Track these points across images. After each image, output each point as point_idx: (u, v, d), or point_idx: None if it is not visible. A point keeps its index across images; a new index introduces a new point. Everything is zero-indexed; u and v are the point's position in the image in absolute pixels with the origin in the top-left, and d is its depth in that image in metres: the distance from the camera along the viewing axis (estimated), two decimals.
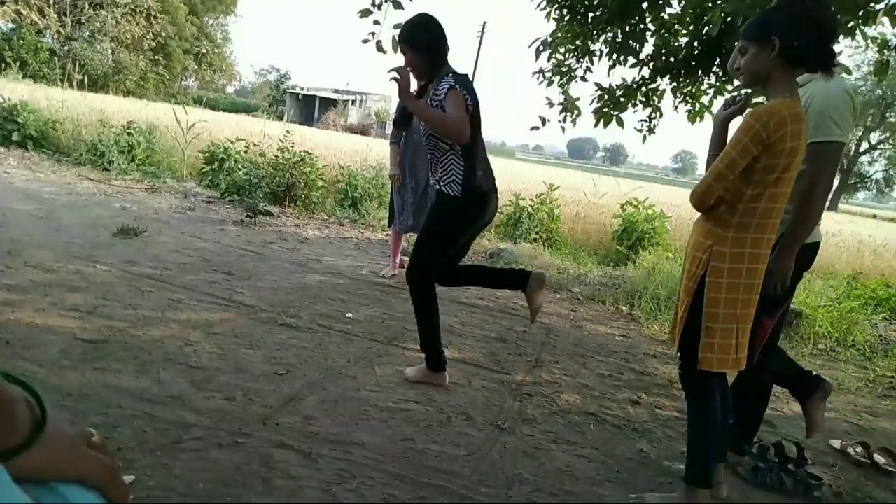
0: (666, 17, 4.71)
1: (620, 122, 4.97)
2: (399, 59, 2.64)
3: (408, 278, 2.73)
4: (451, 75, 2.51)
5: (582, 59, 5.11)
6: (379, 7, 3.80)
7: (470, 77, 2.62)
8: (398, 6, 3.79)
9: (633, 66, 4.85)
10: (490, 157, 2.70)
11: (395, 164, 4.47)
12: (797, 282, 2.21)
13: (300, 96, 44.26)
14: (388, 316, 3.75)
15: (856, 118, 2.22)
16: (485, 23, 29.85)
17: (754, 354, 2.12)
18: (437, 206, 2.72)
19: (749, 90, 2.10)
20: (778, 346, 2.47)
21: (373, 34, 3.81)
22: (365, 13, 3.76)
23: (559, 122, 5.24)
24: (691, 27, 4.59)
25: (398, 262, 4.85)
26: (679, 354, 2.01)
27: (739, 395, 2.30)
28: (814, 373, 2.46)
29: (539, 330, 3.96)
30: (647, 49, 4.81)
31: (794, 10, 1.80)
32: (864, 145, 39.79)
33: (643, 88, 4.95)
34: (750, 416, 2.45)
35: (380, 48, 3.81)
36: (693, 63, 4.29)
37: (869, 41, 3.85)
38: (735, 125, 1.88)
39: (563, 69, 5.16)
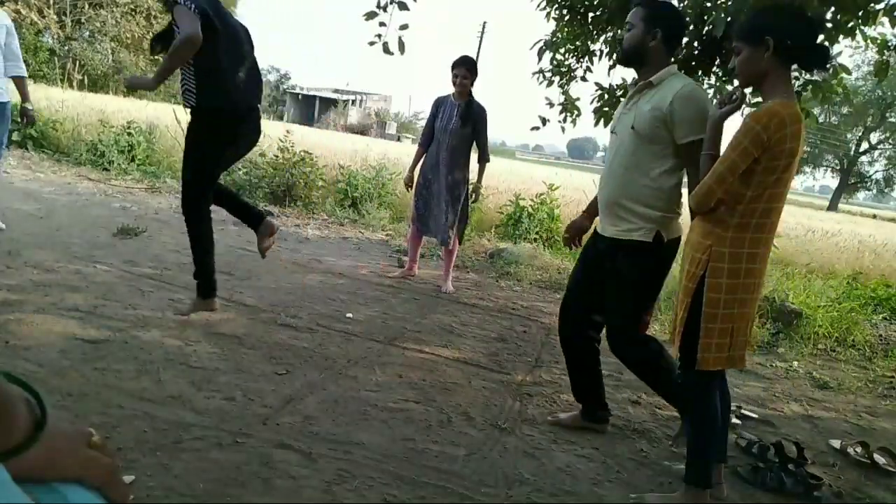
0: None
1: None
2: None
3: (182, 205, 2.79)
4: None
5: (582, 59, 5.10)
6: (384, 9, 3.78)
7: None
8: (403, 7, 3.78)
9: None
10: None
11: (412, 167, 4.65)
12: (664, 277, 2.30)
13: (300, 96, 44.28)
14: (388, 316, 3.75)
15: None
16: (485, 23, 29.87)
17: None
18: (188, 125, 2.76)
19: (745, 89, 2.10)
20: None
21: (379, 36, 3.80)
22: (370, 15, 3.74)
23: (559, 122, 5.23)
24: (691, 27, 4.59)
25: (415, 264, 4.87)
26: (679, 354, 2.02)
27: None
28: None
29: (539, 330, 3.97)
30: None
31: (788, 8, 1.81)
32: (864, 145, 39.77)
33: None
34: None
35: (386, 50, 3.80)
36: (693, 63, 4.29)
37: (869, 41, 3.85)
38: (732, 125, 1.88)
39: (563, 69, 5.15)
